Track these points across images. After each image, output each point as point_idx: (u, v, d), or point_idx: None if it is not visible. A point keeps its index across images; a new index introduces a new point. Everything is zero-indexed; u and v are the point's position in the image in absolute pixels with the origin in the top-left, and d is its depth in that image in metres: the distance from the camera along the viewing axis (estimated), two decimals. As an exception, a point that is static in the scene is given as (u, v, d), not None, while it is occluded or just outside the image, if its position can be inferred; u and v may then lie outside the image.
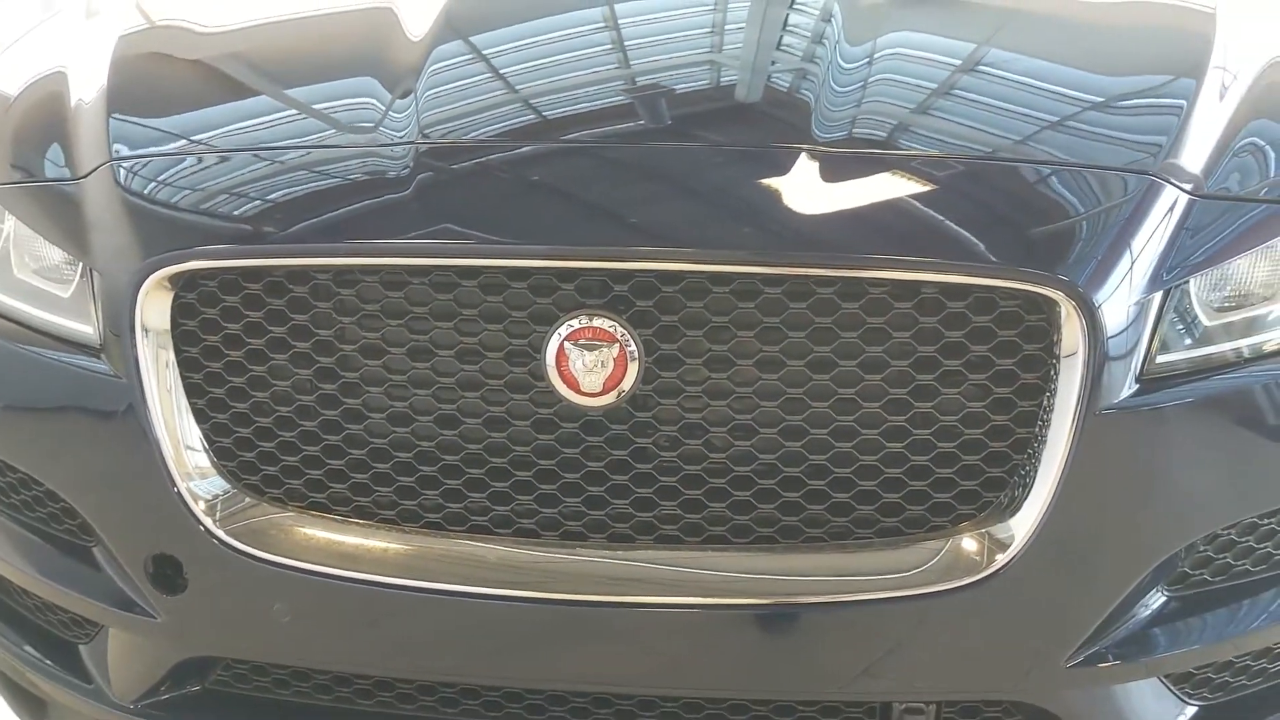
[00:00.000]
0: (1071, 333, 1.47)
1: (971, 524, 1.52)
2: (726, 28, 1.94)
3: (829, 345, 1.50)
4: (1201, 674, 1.69)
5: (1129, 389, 1.50)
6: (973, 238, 1.51)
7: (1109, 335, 1.47)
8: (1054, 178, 1.58)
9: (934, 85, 1.78)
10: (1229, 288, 1.60)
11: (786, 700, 1.64)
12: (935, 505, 1.54)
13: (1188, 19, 2.02)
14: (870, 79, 1.72)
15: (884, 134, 1.66)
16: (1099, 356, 1.47)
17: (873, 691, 1.61)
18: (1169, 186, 1.57)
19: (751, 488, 1.55)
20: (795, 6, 1.99)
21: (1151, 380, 1.52)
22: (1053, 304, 1.47)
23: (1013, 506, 1.51)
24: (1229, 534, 1.63)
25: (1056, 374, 1.48)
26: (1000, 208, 1.58)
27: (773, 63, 1.85)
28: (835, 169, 1.56)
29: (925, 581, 1.50)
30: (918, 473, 1.53)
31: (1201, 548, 1.62)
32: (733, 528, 1.56)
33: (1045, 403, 1.49)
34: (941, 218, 1.53)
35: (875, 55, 1.77)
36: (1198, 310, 1.56)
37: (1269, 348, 1.59)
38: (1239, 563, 1.64)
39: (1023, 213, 1.57)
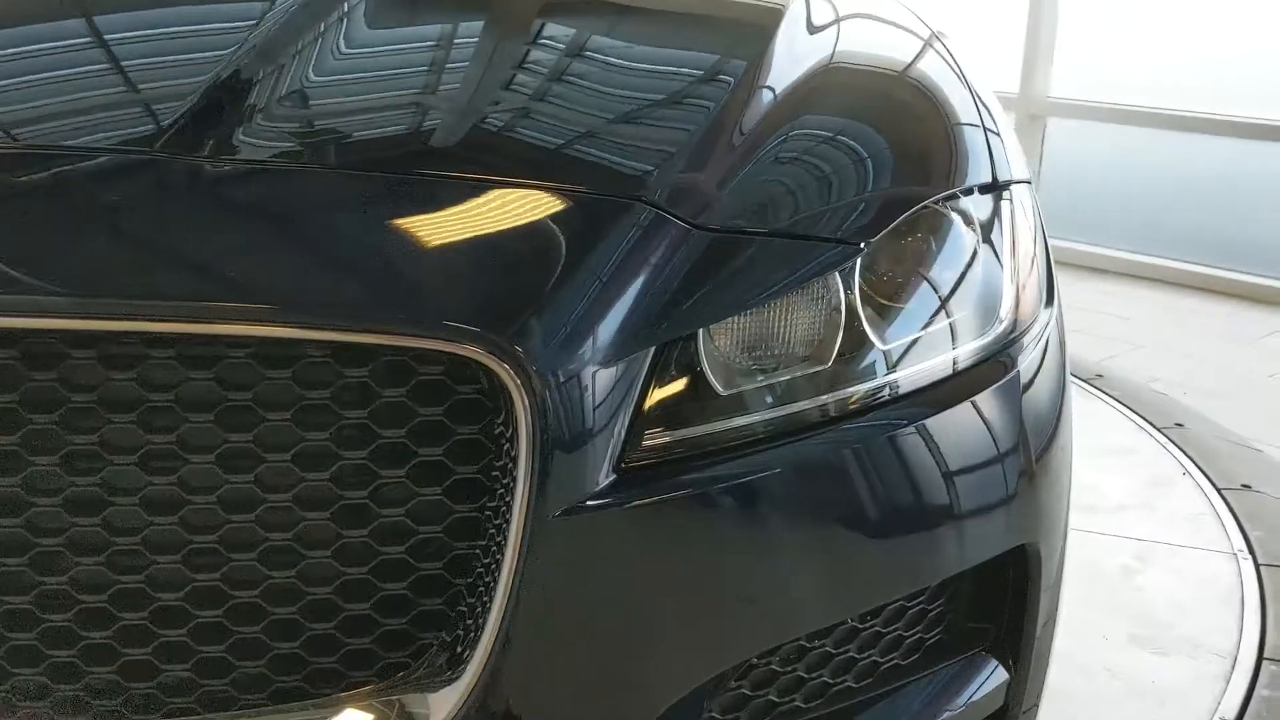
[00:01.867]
0: (514, 408, 1.06)
1: (376, 688, 1.08)
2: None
3: (172, 433, 1.04)
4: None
5: (603, 481, 1.09)
6: (366, 277, 1.07)
7: (566, 410, 1.07)
8: (509, 203, 1.16)
9: (390, 81, 1.35)
10: (755, 345, 1.23)
11: None
12: (352, 654, 1.10)
13: (751, 15, 1.67)
14: (304, 80, 1.29)
15: (294, 144, 1.21)
16: (550, 439, 1.06)
17: None
18: (664, 217, 1.18)
19: (78, 643, 1.07)
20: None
21: (637, 469, 1.12)
22: (490, 371, 1.06)
23: (460, 651, 1.09)
24: (768, 664, 1.25)
25: (505, 465, 1.07)
26: (423, 239, 1.13)
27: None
28: (185, 182, 1.11)
29: None
30: (320, 611, 1.09)
31: (734, 683, 1.23)
32: (55, 701, 1.07)
33: (491, 505, 1.08)
34: (318, 248, 1.09)
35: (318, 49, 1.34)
36: (710, 374, 1.18)
37: (809, 419, 1.22)
38: (785, 700, 1.26)
39: (451, 247, 1.13)
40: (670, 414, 1.15)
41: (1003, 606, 1.40)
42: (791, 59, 1.47)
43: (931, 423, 1.27)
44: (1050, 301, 1.49)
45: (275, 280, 1.04)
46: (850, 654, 1.29)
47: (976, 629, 1.40)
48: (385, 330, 1.02)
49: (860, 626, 1.29)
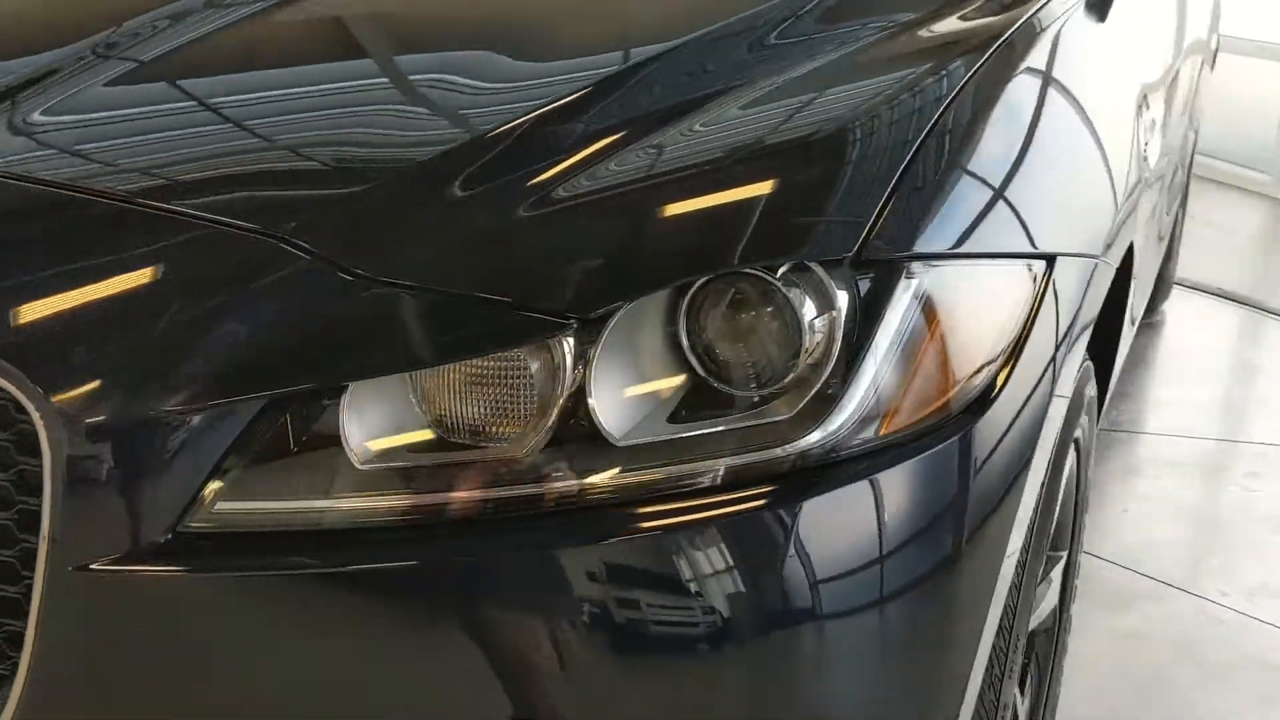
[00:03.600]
0: (40, 447, 1.00)
1: None
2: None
3: None
4: None
5: (146, 541, 1.00)
6: None
7: (103, 458, 0.99)
8: (123, 228, 1.10)
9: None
10: (488, 420, 1.07)
11: None
12: None
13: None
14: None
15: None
16: (76, 486, 0.99)
17: None
18: (299, 256, 1.05)
19: None
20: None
21: (207, 535, 1.01)
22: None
23: None
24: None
25: None
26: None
27: None
28: None
29: None
30: None
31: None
32: None
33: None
34: None
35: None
36: (349, 444, 1.03)
37: (469, 512, 1.04)
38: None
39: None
40: (279, 480, 1.03)
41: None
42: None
43: (632, 544, 1.04)
44: (979, 411, 1.14)
45: None
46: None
47: None
48: None
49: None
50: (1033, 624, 1.73)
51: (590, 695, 1.04)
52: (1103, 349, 1.80)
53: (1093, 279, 1.34)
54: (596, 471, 1.05)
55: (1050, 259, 1.25)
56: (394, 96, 1.37)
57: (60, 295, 1.04)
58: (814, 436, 1.07)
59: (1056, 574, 1.85)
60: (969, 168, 1.23)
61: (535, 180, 1.14)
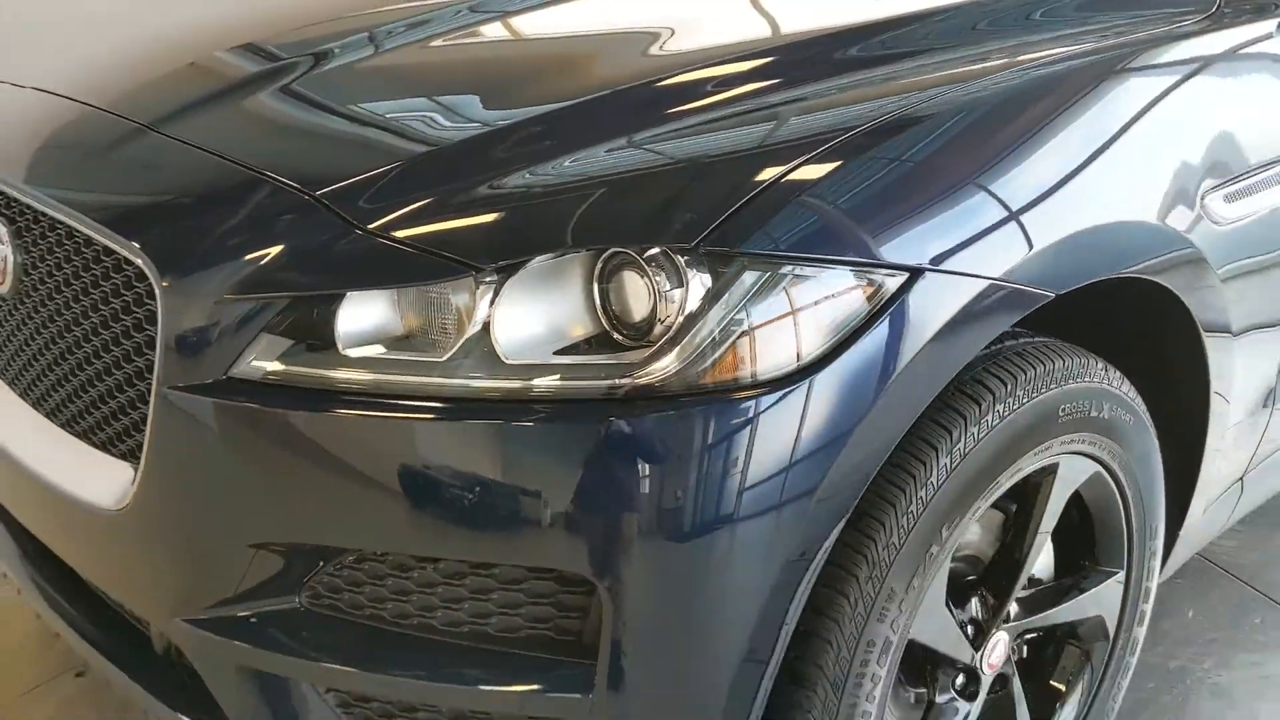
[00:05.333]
0: (156, 301, 1.58)
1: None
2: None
3: None
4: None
5: (210, 378, 1.55)
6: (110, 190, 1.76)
7: (191, 316, 1.56)
8: (222, 174, 1.69)
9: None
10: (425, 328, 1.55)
11: None
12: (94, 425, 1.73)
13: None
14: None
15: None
16: (174, 330, 1.56)
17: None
18: (321, 211, 1.58)
19: None
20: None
21: (245, 381, 1.54)
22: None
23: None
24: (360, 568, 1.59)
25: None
26: (154, 174, 1.77)
27: None
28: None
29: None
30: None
31: (327, 575, 1.60)
32: None
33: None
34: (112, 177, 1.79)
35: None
36: (338, 335, 1.52)
37: (407, 392, 1.51)
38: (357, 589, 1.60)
39: (168, 183, 1.75)
40: (294, 353, 1.54)
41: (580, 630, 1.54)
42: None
43: (507, 428, 1.47)
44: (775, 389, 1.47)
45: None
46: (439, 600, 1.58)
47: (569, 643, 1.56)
48: (93, 229, 1.66)
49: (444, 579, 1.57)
50: (1045, 624, 1.91)
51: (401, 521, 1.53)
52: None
53: (985, 299, 1.56)
54: (490, 379, 1.49)
55: (915, 271, 1.50)
56: (423, 106, 1.90)
57: (176, 218, 1.67)
58: (643, 379, 1.45)
59: (1106, 590, 1.99)
60: (866, 176, 1.55)
61: (486, 170, 1.63)
